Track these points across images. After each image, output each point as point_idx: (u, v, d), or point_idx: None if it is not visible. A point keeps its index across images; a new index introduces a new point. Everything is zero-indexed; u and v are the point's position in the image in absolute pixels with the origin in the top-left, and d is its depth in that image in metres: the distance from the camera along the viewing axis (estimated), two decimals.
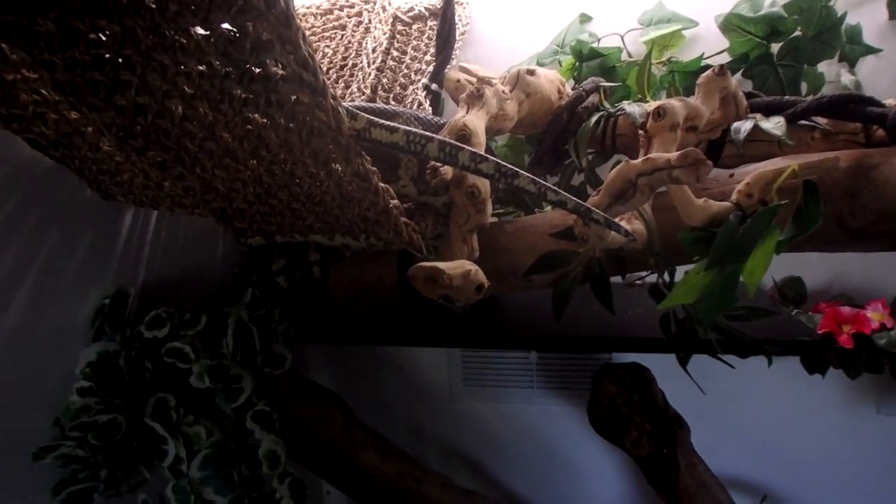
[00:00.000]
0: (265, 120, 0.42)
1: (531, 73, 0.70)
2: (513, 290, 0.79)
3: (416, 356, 1.22)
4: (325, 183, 0.47)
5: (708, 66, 0.61)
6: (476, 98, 0.60)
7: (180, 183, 0.56)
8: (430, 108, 0.82)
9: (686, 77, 0.82)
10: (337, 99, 0.39)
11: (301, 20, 1.10)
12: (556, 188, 0.43)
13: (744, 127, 0.62)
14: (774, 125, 0.60)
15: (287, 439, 0.74)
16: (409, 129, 0.42)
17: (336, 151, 0.43)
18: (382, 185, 0.46)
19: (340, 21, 1.06)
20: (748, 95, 0.66)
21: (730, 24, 0.82)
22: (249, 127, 0.43)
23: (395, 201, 0.48)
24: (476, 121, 0.58)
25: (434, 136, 0.43)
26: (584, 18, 0.93)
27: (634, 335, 0.70)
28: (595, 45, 0.89)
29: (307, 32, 1.09)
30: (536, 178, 0.42)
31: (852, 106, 0.56)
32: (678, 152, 0.42)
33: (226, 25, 0.35)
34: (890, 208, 0.53)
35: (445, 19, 0.81)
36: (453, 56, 0.87)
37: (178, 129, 0.45)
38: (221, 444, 0.66)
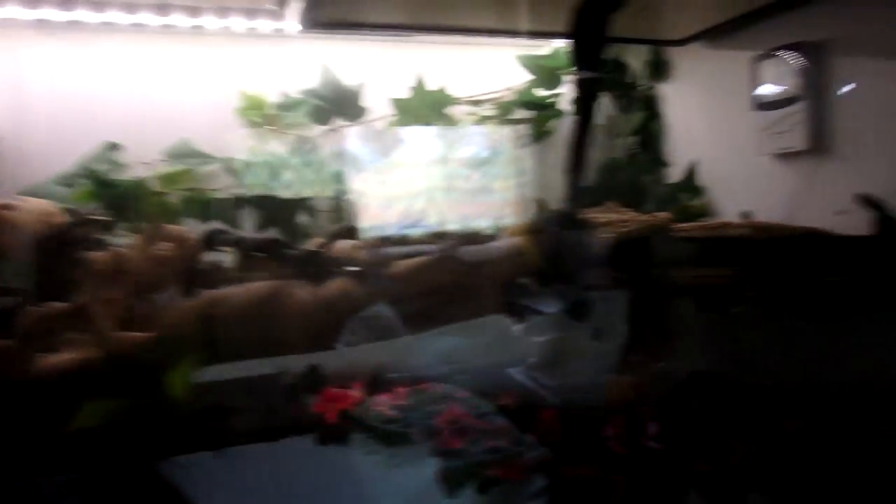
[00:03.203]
0: None
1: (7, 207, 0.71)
2: None
3: None
4: None
5: None
6: None
7: None
8: None
9: (200, 204, 0.97)
10: None
11: None
12: None
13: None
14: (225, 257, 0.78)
15: None
16: None
17: None
18: None
19: None
20: (219, 232, 0.84)
21: None
22: None
23: None
24: None
25: None
26: (111, 146, 0.99)
27: None
28: (119, 173, 0.96)
29: None
30: None
31: (275, 246, 0.79)
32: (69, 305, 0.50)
33: None
34: (292, 329, 0.74)
35: None
36: None
37: None
38: None
